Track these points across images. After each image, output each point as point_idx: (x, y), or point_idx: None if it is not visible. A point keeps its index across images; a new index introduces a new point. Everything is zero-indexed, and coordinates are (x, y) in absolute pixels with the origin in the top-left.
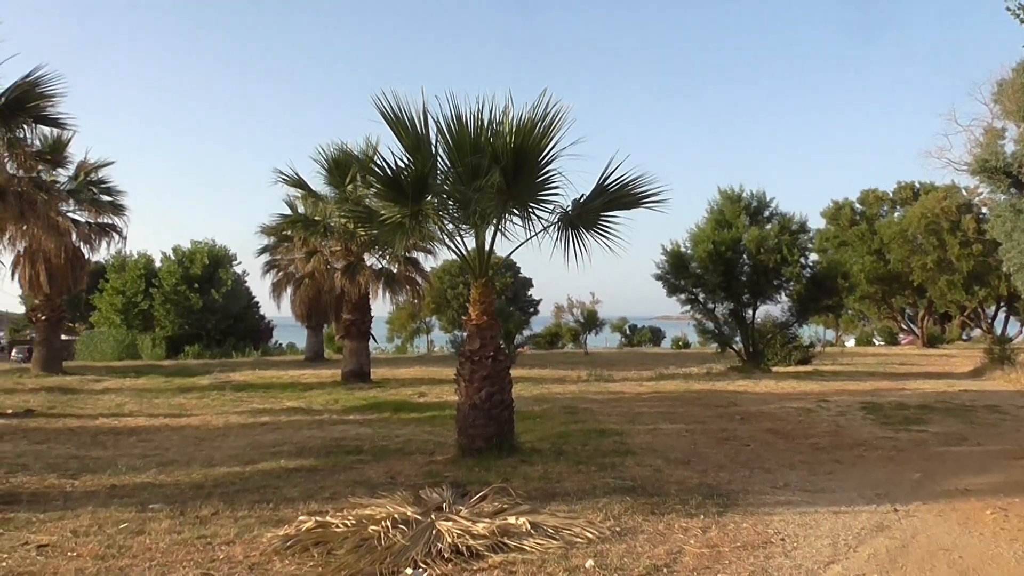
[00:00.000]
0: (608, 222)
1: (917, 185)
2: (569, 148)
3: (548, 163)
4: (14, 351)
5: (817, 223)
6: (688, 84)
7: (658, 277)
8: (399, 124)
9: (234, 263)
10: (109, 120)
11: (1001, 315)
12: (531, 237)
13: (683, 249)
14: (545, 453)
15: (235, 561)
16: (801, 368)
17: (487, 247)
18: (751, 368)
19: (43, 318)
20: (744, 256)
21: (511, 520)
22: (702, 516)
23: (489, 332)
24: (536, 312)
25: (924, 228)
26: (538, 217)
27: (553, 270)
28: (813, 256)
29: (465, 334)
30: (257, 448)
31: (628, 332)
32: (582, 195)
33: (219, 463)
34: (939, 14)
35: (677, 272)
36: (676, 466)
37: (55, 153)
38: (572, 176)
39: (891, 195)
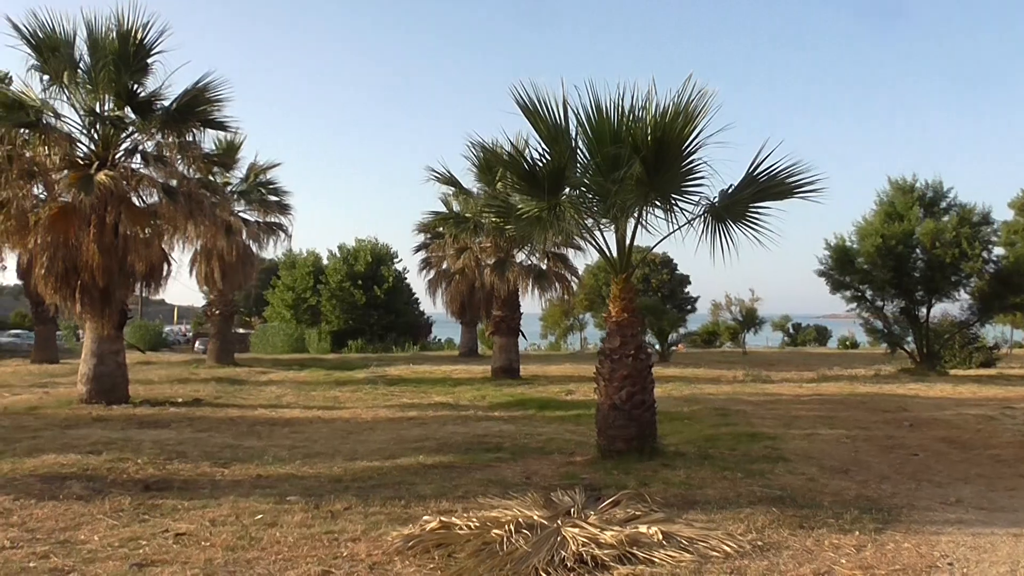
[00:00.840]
0: (758, 214)
1: None
2: (715, 136)
3: (692, 152)
4: (197, 342)
5: (1004, 214)
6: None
7: (821, 273)
8: (536, 115)
9: (395, 260)
10: (278, 117)
11: None
12: (675, 231)
13: (848, 243)
14: (689, 457)
15: (357, 559)
16: (983, 371)
17: (628, 241)
18: (925, 370)
19: (217, 312)
20: (917, 250)
21: (642, 529)
22: (857, 532)
23: (630, 330)
24: (693, 310)
25: None
26: (681, 210)
27: (712, 266)
28: (998, 250)
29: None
30: (400, 443)
31: (791, 331)
32: (729, 186)
33: (361, 457)
34: None
35: (842, 268)
36: (832, 475)
37: (227, 156)
38: (719, 166)
39: None
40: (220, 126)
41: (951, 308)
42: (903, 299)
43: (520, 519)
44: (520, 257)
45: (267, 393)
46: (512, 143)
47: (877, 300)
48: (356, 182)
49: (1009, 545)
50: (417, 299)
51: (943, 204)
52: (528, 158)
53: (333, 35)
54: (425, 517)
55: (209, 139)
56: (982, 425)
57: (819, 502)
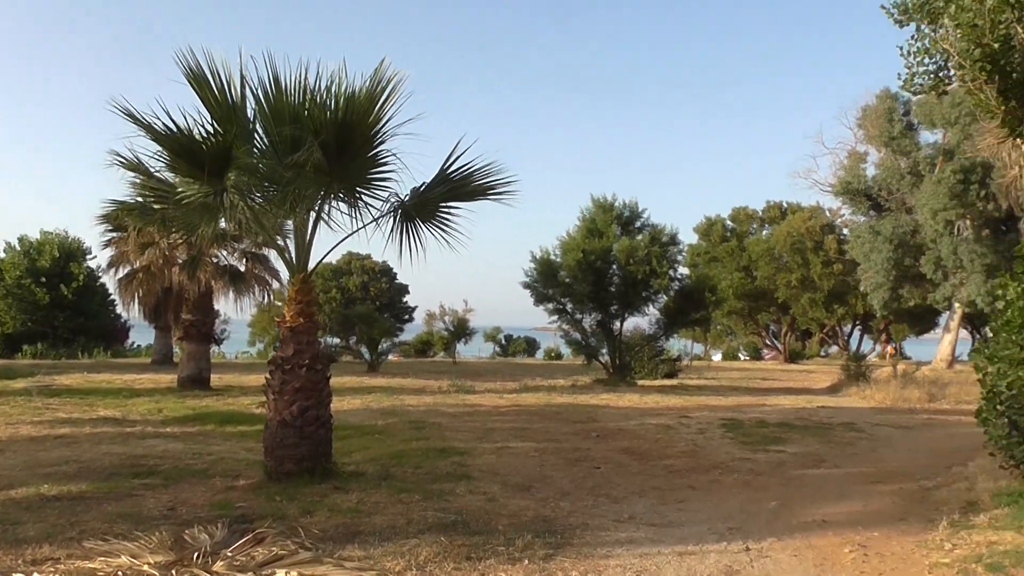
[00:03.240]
0: (449, 214)
1: (784, 205)
2: (407, 128)
3: (379, 141)
4: None
5: (691, 238)
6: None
7: (526, 285)
8: (207, 87)
9: (89, 257)
10: None
11: (856, 333)
12: (360, 228)
13: (553, 257)
14: (368, 478)
15: None
16: (667, 382)
17: (307, 237)
18: (617, 381)
19: None
20: (614, 266)
21: (279, 574)
22: (526, 561)
23: (306, 336)
24: (411, 319)
25: (789, 247)
26: (367, 205)
27: (435, 277)
28: (683, 270)
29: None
30: (30, 467)
31: (503, 342)
32: (422, 183)
33: None
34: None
35: (546, 281)
36: (514, 493)
37: None
38: (415, 163)
39: (760, 213)
40: None
41: (642, 322)
42: (600, 312)
43: (125, 570)
44: (223, 255)
45: None
46: (168, 113)
47: (577, 313)
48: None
49: (674, 566)
50: (113, 300)
51: (638, 224)
52: (185, 128)
53: None
54: None
55: None
56: (661, 435)
57: (494, 526)
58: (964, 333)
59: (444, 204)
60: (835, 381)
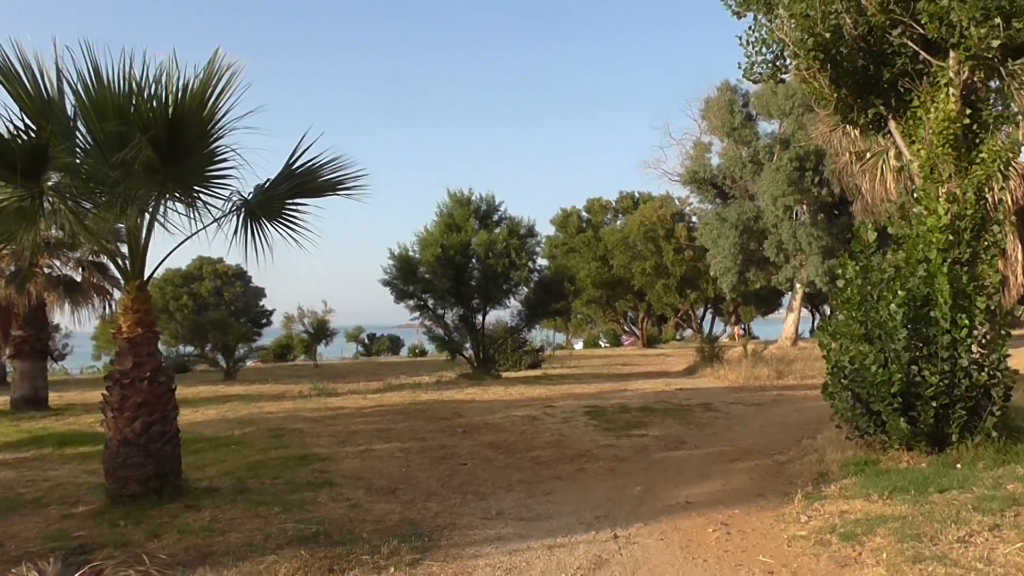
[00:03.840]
0: (296, 211)
1: (636, 195)
2: (258, 128)
3: (216, 136)
4: None
5: (548, 230)
6: (420, 88)
7: (386, 283)
8: (17, 81)
9: None
10: None
11: (709, 316)
12: (201, 229)
13: (411, 253)
14: (223, 493)
15: None
16: (531, 372)
17: (141, 242)
18: (482, 375)
19: None
20: (473, 260)
21: None
22: (392, 569)
23: (145, 348)
24: (269, 323)
25: (643, 235)
26: (207, 204)
27: (293, 278)
28: (542, 261)
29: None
30: None
31: (366, 341)
32: (266, 180)
33: None
34: (662, 32)
35: (406, 277)
36: (379, 498)
37: None
38: (261, 160)
39: (614, 204)
40: None
41: (504, 315)
42: (462, 307)
43: None
44: (56, 265)
45: None
46: None
47: (438, 308)
48: None
49: (543, 560)
50: None
51: (495, 217)
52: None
53: None
54: None
55: None
56: (526, 426)
57: (358, 534)
58: (805, 312)
59: (290, 201)
60: (691, 363)
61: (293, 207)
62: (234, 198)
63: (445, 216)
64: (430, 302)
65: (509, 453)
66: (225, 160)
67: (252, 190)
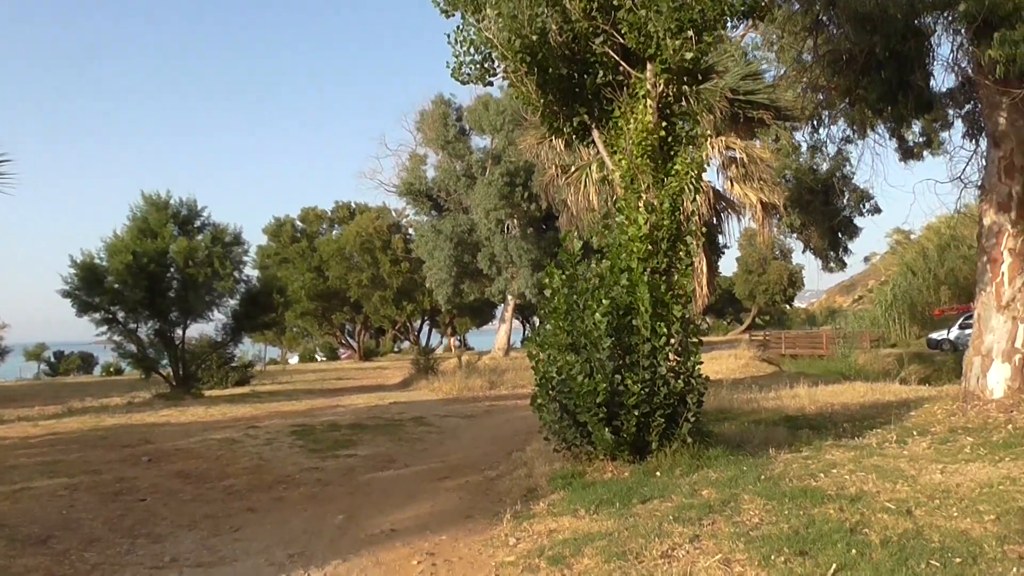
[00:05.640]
0: None
1: (353, 205)
2: None
3: None
4: None
5: (260, 239)
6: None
7: (66, 294)
8: None
9: None
10: None
11: (426, 328)
12: None
13: (98, 261)
14: None
15: None
16: (238, 390)
17: None
18: (181, 394)
19: None
20: (172, 269)
21: None
22: None
23: None
24: None
25: (359, 246)
26: None
27: None
28: (251, 271)
29: None
30: None
31: (51, 359)
32: None
33: None
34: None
35: (90, 288)
36: (23, 550)
37: None
38: None
39: (330, 214)
40: None
41: (208, 328)
42: (158, 320)
43: None
44: None
45: None
46: None
47: (130, 322)
48: None
49: None
50: None
51: (197, 223)
52: None
53: None
54: None
55: None
56: (223, 450)
57: None
58: (517, 323)
59: None
60: (406, 376)
61: None
62: None
63: (139, 220)
64: (120, 315)
65: (199, 483)
66: None
67: None
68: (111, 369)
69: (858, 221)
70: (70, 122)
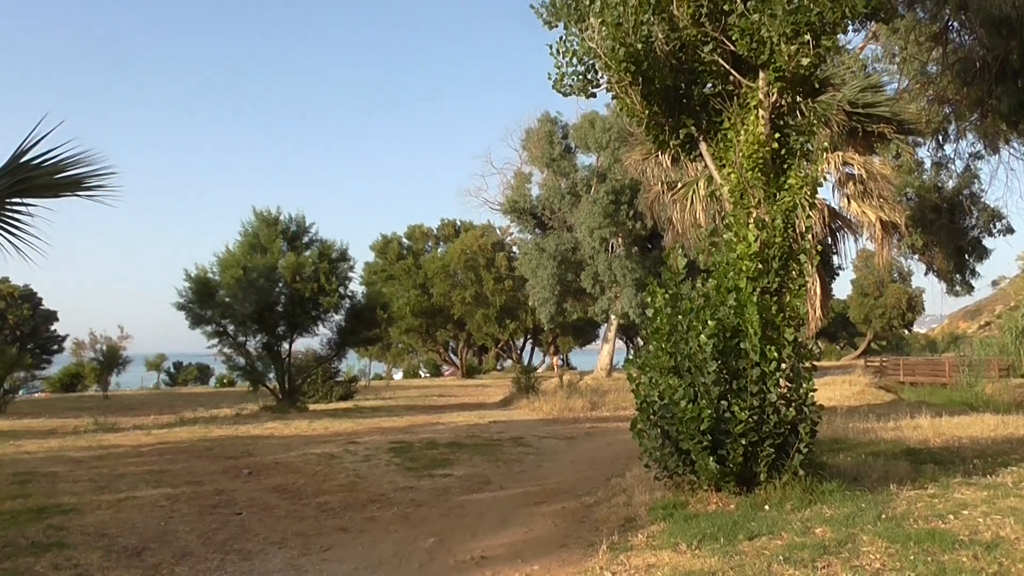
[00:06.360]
0: (19, 213)
1: (458, 223)
2: None
3: None
4: None
5: (367, 256)
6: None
7: (181, 307)
8: None
9: None
10: None
11: (528, 346)
12: None
13: (210, 275)
14: None
15: None
16: (341, 405)
17: None
18: (286, 407)
19: None
20: (280, 284)
21: None
22: None
23: None
24: (61, 350)
25: (463, 264)
26: None
27: (92, 300)
28: (357, 287)
29: None
30: None
31: (171, 370)
32: None
33: None
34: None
35: (203, 301)
36: (118, 562)
37: None
38: None
39: (435, 231)
40: None
41: (314, 343)
42: (266, 334)
43: None
44: None
45: None
46: None
47: (240, 335)
48: None
49: None
50: None
51: (305, 239)
52: None
53: None
54: None
55: None
56: (321, 466)
57: None
58: (620, 344)
59: (12, 201)
60: (507, 394)
61: (17, 208)
62: None
63: (249, 236)
64: (230, 328)
65: (294, 499)
66: None
67: None
68: (224, 381)
69: (988, 242)
70: (200, 134)
